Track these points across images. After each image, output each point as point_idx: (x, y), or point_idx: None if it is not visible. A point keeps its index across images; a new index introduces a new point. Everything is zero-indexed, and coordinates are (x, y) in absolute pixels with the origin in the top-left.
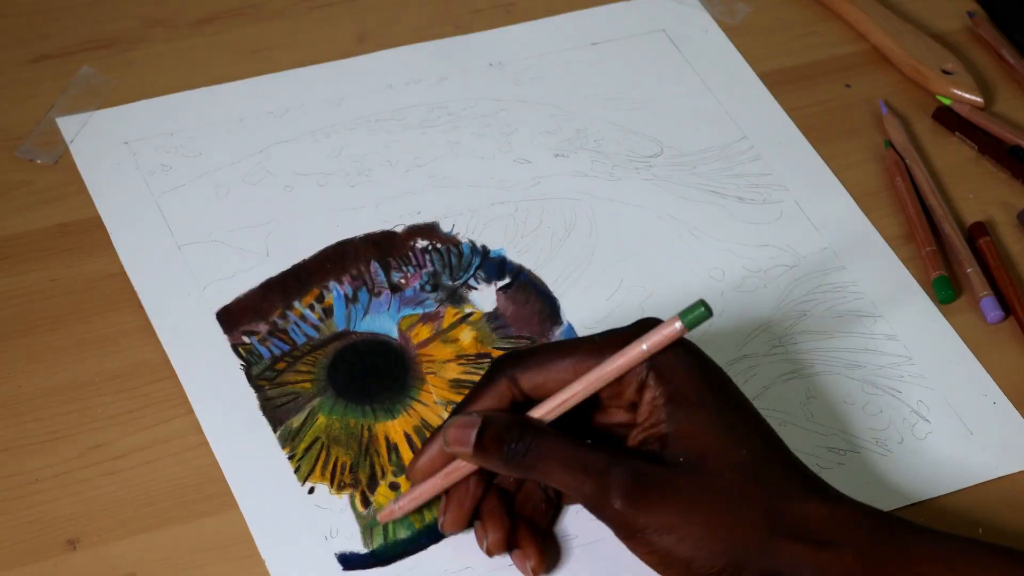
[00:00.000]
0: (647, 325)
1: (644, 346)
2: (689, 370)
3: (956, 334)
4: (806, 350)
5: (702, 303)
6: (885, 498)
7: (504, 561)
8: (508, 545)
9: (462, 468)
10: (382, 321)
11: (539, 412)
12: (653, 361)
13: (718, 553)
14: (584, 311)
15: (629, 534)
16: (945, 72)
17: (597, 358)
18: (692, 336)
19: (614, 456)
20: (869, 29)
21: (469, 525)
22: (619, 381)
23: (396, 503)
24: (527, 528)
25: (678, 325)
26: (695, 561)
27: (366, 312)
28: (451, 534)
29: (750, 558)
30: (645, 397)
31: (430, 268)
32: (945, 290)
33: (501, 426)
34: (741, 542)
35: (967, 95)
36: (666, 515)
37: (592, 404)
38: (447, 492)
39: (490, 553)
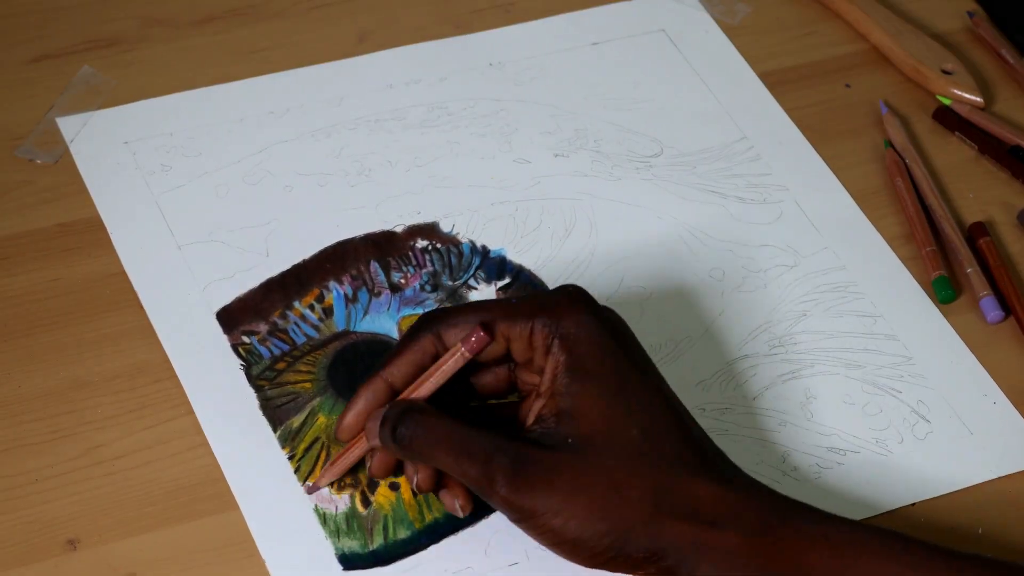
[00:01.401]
0: (566, 294)
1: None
2: (593, 340)
3: (956, 334)
4: (806, 350)
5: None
6: (885, 498)
7: (504, 560)
8: (436, 484)
9: None
10: (382, 321)
11: (421, 389)
12: (559, 328)
13: (603, 532)
14: None
15: (517, 518)
16: (945, 72)
17: (510, 322)
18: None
19: (498, 441)
20: (869, 29)
21: (398, 472)
22: (530, 345)
23: (329, 467)
24: None
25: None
26: (581, 541)
27: (366, 312)
28: (380, 479)
29: (636, 537)
30: (548, 364)
31: (430, 268)
32: (945, 290)
33: (395, 414)
34: (625, 521)
35: (967, 95)
36: (549, 499)
37: (515, 363)
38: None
39: (419, 489)
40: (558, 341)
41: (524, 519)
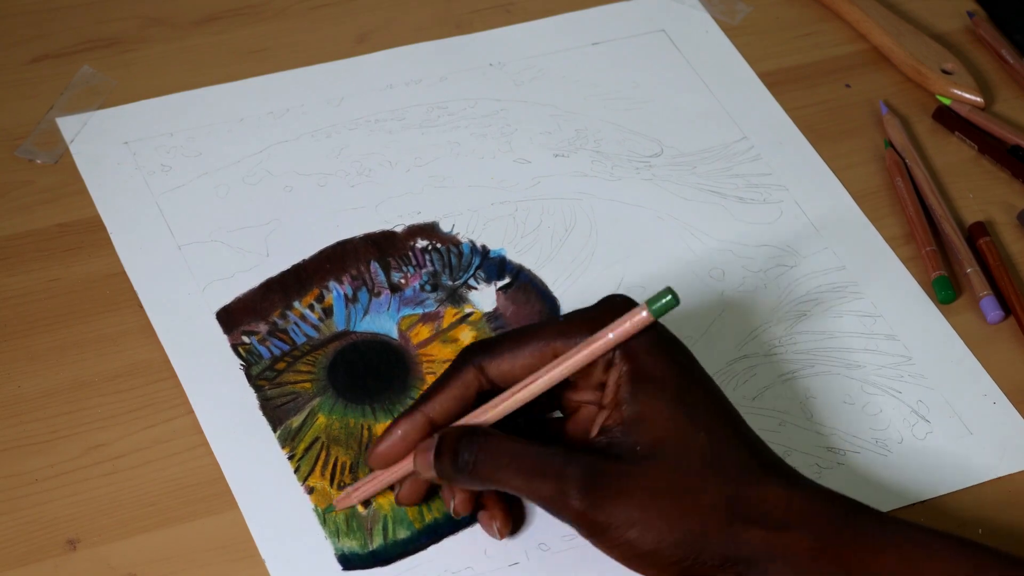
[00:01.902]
0: (613, 304)
1: (611, 335)
2: (654, 351)
3: (956, 334)
4: (806, 350)
5: (669, 290)
6: (885, 498)
7: (505, 561)
8: (475, 505)
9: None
10: (382, 321)
11: (494, 409)
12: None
13: (679, 543)
14: None
15: (592, 532)
16: (945, 72)
17: (564, 341)
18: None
19: (568, 455)
20: (869, 29)
21: (427, 499)
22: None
23: (354, 489)
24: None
25: (645, 314)
26: (659, 552)
27: (366, 312)
28: (407, 506)
29: (711, 544)
30: (611, 377)
31: (430, 268)
32: (945, 290)
33: (453, 438)
34: (701, 529)
35: (967, 95)
36: (625, 510)
37: (563, 383)
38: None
39: (456, 513)
40: (619, 353)
41: (598, 533)
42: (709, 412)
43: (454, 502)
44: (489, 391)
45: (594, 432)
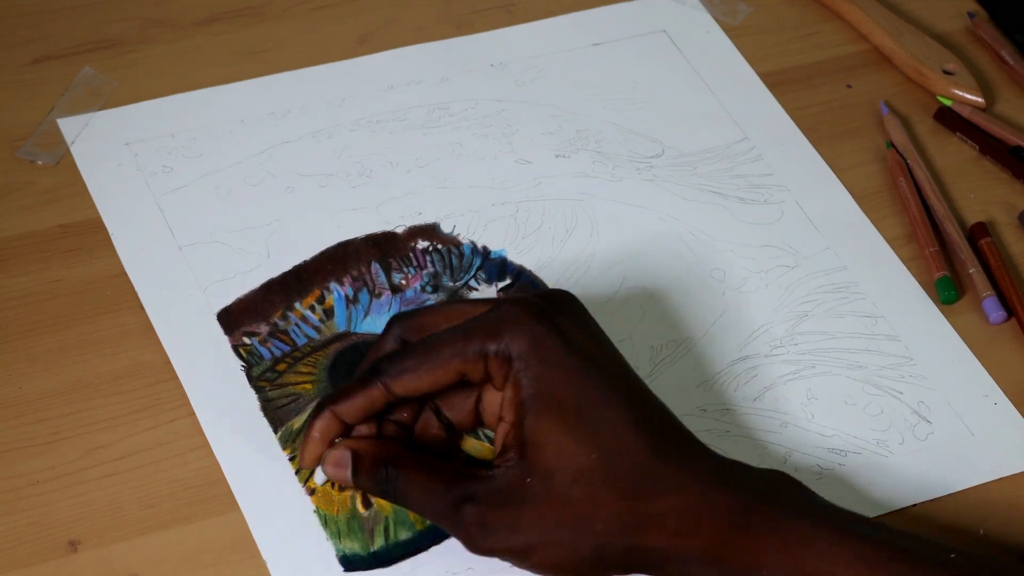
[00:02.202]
0: (511, 306)
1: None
2: (550, 360)
3: (957, 335)
4: (807, 351)
5: None
6: (886, 499)
7: (505, 562)
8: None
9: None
10: (383, 322)
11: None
12: (514, 351)
13: (580, 561)
14: None
15: (503, 559)
16: (946, 72)
17: (463, 359)
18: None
19: (465, 489)
20: (870, 29)
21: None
22: (487, 372)
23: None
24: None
25: None
26: (563, 568)
27: (367, 313)
28: (307, 468)
29: (607, 555)
30: (507, 393)
31: (431, 269)
32: (948, 291)
33: (370, 462)
34: (596, 545)
35: (968, 95)
36: (523, 538)
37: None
38: None
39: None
40: (515, 366)
41: (509, 559)
42: (608, 426)
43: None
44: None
45: (497, 449)
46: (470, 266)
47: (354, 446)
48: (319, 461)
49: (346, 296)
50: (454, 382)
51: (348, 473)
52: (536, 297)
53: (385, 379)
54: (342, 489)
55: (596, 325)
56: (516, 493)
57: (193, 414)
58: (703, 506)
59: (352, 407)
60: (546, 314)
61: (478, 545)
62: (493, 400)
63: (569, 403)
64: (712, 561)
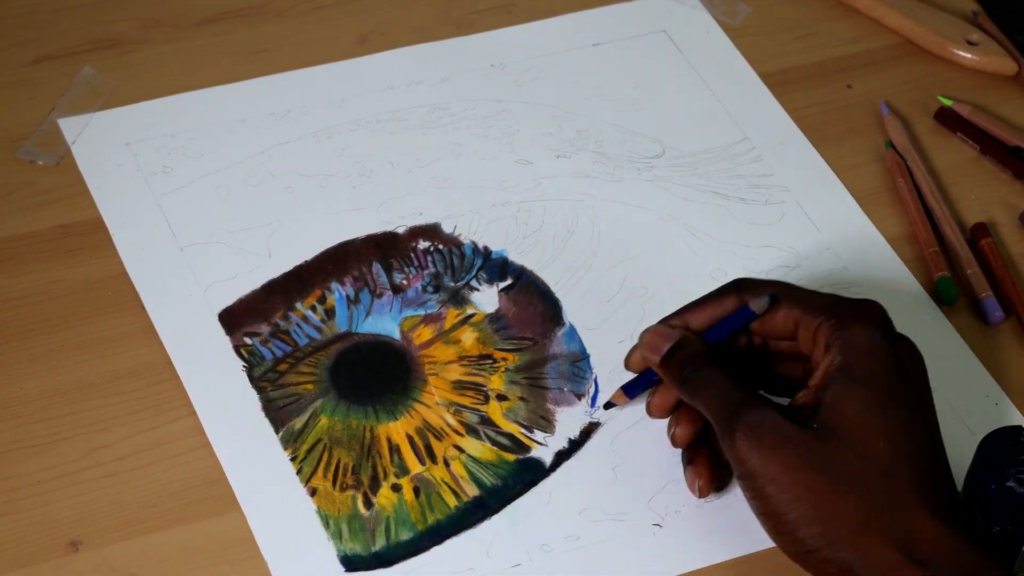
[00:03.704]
0: (867, 306)
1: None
2: (873, 350)
3: (958, 335)
4: None
5: None
6: None
7: (507, 562)
8: (692, 447)
9: None
10: (384, 322)
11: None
12: (845, 332)
13: (810, 522)
14: (586, 312)
15: (740, 473)
16: (971, 43)
17: (808, 310)
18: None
19: (756, 399)
20: (883, 13)
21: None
22: (814, 338)
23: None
24: (707, 449)
25: None
26: (787, 521)
27: (368, 313)
28: (657, 417)
29: (839, 543)
30: (823, 361)
31: (432, 269)
32: (949, 291)
33: (689, 351)
34: (835, 522)
35: (997, 62)
36: (776, 468)
37: (773, 357)
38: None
39: (675, 443)
40: (839, 343)
41: (745, 476)
42: (901, 427)
43: (676, 431)
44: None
45: (787, 401)
46: (471, 266)
47: (684, 331)
48: (644, 367)
49: (347, 296)
50: (784, 335)
51: (663, 349)
52: (888, 318)
53: (745, 295)
54: (343, 489)
55: (924, 371)
56: (797, 429)
57: (194, 414)
58: (962, 544)
59: (702, 313)
60: (888, 329)
61: (740, 454)
62: (787, 367)
63: (875, 389)
64: None
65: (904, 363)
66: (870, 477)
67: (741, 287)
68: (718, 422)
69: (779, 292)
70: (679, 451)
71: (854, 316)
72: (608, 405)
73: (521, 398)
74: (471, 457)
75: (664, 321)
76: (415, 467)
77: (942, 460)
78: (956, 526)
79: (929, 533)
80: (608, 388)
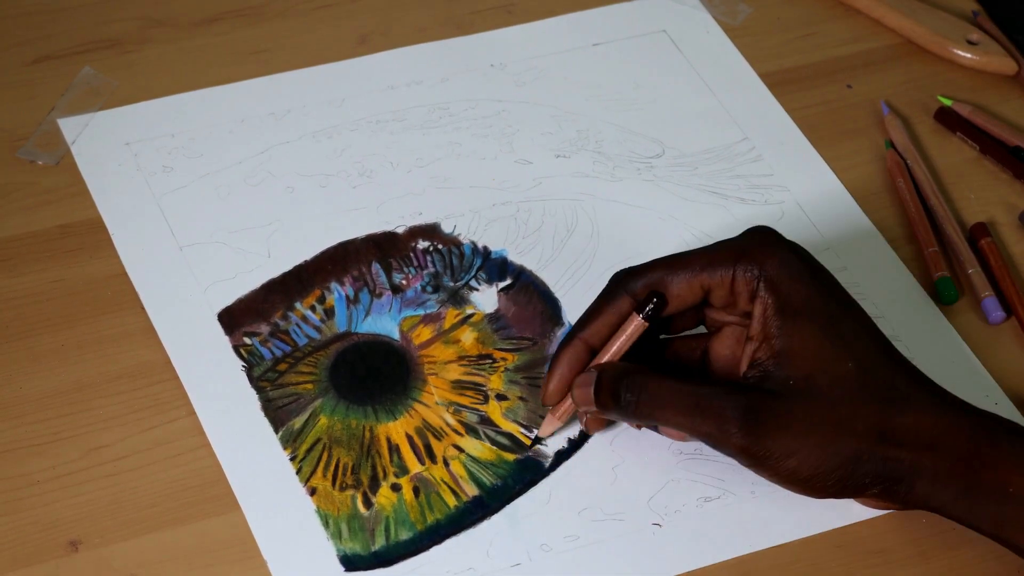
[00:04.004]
0: (756, 235)
1: (638, 319)
2: (798, 279)
3: (957, 335)
4: None
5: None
6: None
7: (507, 562)
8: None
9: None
10: (384, 322)
11: (609, 354)
12: (763, 272)
13: (836, 467)
14: None
15: (752, 463)
16: (971, 43)
17: (711, 273)
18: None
19: (727, 393)
20: (883, 14)
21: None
22: (732, 291)
23: (547, 423)
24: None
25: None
26: (816, 477)
27: (367, 313)
28: (595, 433)
29: (863, 465)
30: (756, 310)
31: (431, 269)
32: (949, 291)
33: (611, 378)
34: (855, 454)
35: (997, 62)
36: (784, 442)
37: (704, 302)
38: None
39: (588, 431)
40: (764, 284)
41: (759, 464)
42: (858, 339)
43: (586, 420)
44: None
45: (744, 365)
46: (471, 266)
47: (598, 366)
48: (563, 394)
49: (347, 296)
50: (695, 303)
51: (590, 392)
52: (778, 233)
53: (632, 288)
54: (343, 489)
55: (823, 265)
56: (781, 392)
57: (194, 414)
58: (951, 421)
59: (600, 327)
60: (789, 244)
61: (746, 446)
62: (723, 345)
63: (822, 316)
64: (959, 475)
65: (816, 270)
66: (859, 401)
67: (624, 282)
68: (700, 432)
69: (667, 268)
70: (679, 451)
71: (760, 251)
72: (537, 441)
73: (521, 398)
74: (471, 457)
75: (560, 350)
76: (415, 467)
77: (892, 347)
78: (939, 401)
79: (925, 420)
80: None
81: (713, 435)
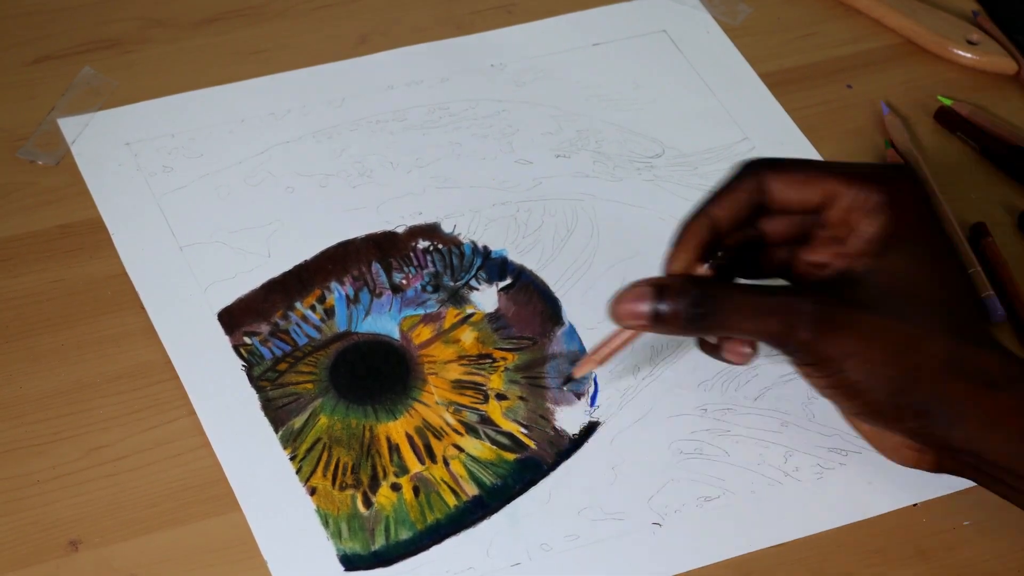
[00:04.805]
0: (891, 172)
1: (623, 335)
2: (917, 209)
3: None
4: None
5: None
6: (887, 499)
7: (507, 561)
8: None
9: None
10: (384, 322)
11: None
12: (890, 197)
13: (887, 380)
14: (586, 312)
15: (809, 362)
16: (971, 43)
17: (846, 188)
18: None
19: (797, 292)
20: (883, 14)
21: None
22: (849, 209)
23: (592, 352)
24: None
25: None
26: (865, 389)
27: (367, 313)
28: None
29: (917, 390)
30: (869, 225)
31: (431, 269)
32: None
33: (676, 294)
34: (913, 373)
35: (997, 62)
36: (849, 343)
37: (798, 241)
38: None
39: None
40: (887, 204)
41: (817, 363)
42: (949, 275)
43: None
44: (760, 211)
45: (835, 263)
46: (471, 266)
47: (656, 280)
48: (689, 267)
49: (347, 296)
50: (817, 207)
51: (646, 310)
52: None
53: (766, 176)
54: (343, 489)
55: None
56: (860, 300)
57: (194, 414)
58: (1018, 367)
59: (727, 204)
60: (922, 191)
61: (811, 341)
62: (812, 254)
63: (926, 246)
64: (1017, 419)
65: (928, 201)
66: (937, 325)
67: (761, 167)
68: (767, 332)
69: (807, 167)
70: (679, 451)
71: (898, 181)
72: (568, 380)
73: (521, 397)
74: (471, 456)
75: (687, 223)
76: (414, 466)
77: (976, 291)
78: (1007, 351)
79: (994, 360)
80: (608, 388)
81: (779, 333)
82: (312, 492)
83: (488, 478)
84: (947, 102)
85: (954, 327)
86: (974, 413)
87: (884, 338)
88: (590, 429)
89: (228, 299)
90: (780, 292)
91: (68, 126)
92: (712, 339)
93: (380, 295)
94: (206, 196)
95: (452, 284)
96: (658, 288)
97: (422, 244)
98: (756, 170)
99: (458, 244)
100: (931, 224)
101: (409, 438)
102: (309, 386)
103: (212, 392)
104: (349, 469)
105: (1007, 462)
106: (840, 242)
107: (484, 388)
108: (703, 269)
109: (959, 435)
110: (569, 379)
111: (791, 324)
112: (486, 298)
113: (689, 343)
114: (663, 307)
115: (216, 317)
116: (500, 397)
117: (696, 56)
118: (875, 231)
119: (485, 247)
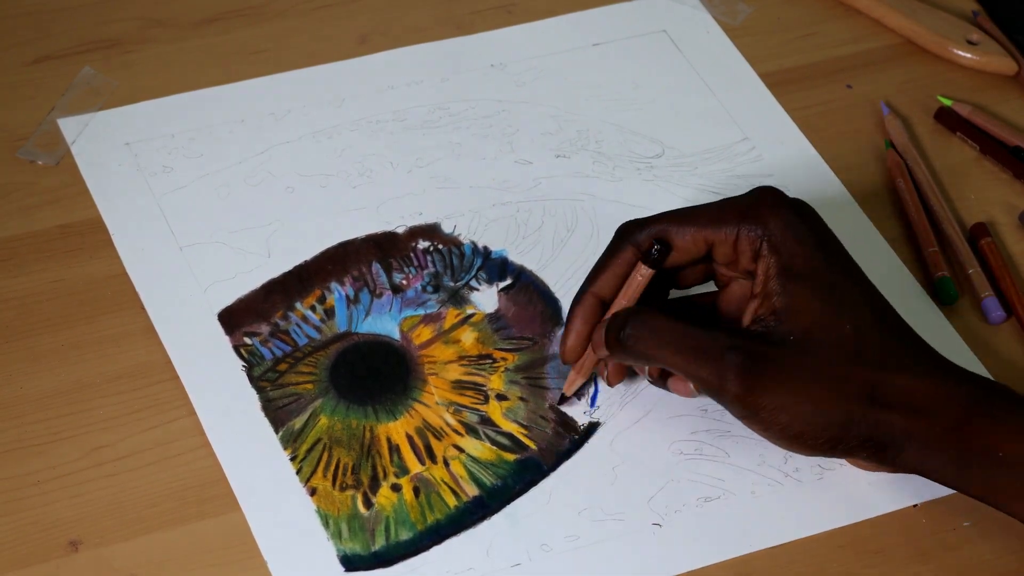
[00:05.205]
0: (763, 196)
1: (641, 275)
2: (801, 241)
3: (957, 334)
4: None
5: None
6: (887, 499)
7: (507, 562)
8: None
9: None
10: (384, 322)
11: (620, 302)
12: (767, 232)
13: (826, 425)
14: None
15: (745, 414)
16: (971, 43)
17: (715, 230)
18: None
19: (729, 340)
20: (883, 14)
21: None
22: (735, 249)
23: (569, 383)
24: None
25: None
26: (806, 434)
27: (368, 313)
28: (615, 385)
29: (854, 426)
30: (759, 269)
31: (432, 269)
32: (948, 291)
33: (619, 318)
34: (846, 415)
35: (997, 62)
36: (778, 396)
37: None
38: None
39: (609, 383)
40: (767, 245)
41: (751, 415)
42: (855, 303)
43: (607, 372)
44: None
45: (747, 320)
46: (471, 266)
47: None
48: (582, 349)
49: (347, 296)
50: (699, 257)
51: (609, 338)
52: (783, 194)
53: (636, 240)
54: (343, 489)
55: (826, 225)
56: (780, 346)
57: (194, 414)
58: (945, 388)
59: (608, 278)
60: (793, 205)
61: (741, 395)
62: (730, 300)
63: (823, 279)
64: (952, 443)
65: (819, 231)
66: (854, 362)
67: (628, 235)
68: (698, 376)
69: (672, 221)
70: (679, 450)
71: (764, 211)
72: (563, 399)
73: (521, 398)
74: (471, 457)
75: (573, 307)
76: (415, 467)
77: (892, 312)
78: (935, 370)
79: (917, 386)
80: (608, 388)
81: (709, 380)
82: (312, 492)
83: (488, 479)
84: (947, 102)
85: (869, 357)
86: (914, 438)
87: (810, 388)
88: (590, 430)
89: (228, 299)
90: (715, 336)
91: (68, 126)
92: (650, 373)
93: (380, 295)
94: (206, 196)
95: (452, 284)
96: (610, 319)
97: (422, 244)
98: (627, 238)
99: (458, 244)
100: (813, 248)
101: (409, 438)
102: (309, 386)
103: (212, 392)
104: (349, 469)
105: (953, 485)
106: (748, 275)
107: (484, 388)
108: (643, 268)
109: (909, 459)
110: (563, 398)
111: (722, 375)
112: (486, 298)
113: None
114: (608, 334)
115: (216, 317)
116: (500, 397)
117: (696, 56)
118: (764, 272)
119: (485, 247)
